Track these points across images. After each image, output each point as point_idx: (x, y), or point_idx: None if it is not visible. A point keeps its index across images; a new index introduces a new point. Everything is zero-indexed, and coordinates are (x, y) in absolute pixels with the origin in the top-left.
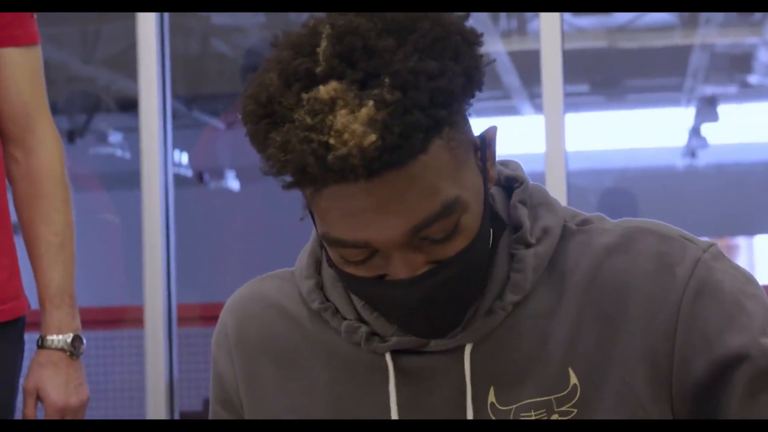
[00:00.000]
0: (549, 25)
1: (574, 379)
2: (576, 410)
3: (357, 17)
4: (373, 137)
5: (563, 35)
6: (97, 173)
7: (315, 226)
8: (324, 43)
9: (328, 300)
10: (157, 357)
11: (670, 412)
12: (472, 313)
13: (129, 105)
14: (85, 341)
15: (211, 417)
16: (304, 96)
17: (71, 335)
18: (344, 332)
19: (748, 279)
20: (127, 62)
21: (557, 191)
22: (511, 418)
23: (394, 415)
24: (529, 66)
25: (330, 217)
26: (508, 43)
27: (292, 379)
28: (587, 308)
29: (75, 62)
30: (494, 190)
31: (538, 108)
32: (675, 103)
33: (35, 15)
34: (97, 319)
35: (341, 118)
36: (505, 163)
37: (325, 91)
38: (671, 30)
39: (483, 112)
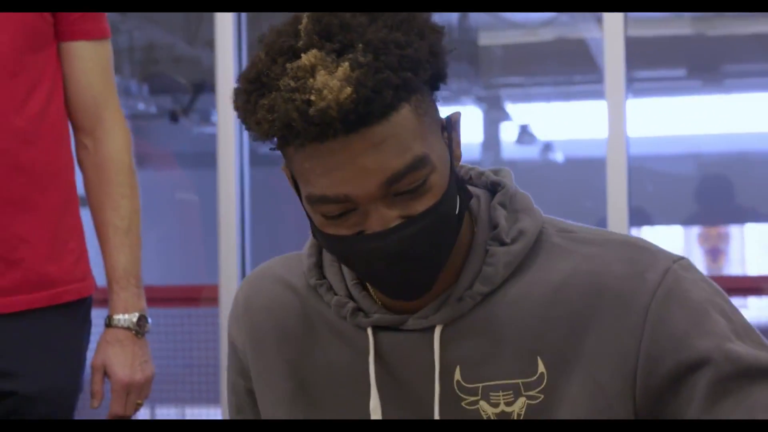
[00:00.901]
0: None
1: (541, 368)
2: (543, 396)
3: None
4: (348, 90)
5: (626, 22)
6: (200, 152)
7: (299, 194)
8: (305, 21)
9: (324, 277)
10: None
11: (633, 408)
12: (444, 299)
13: None
14: (150, 320)
15: (228, 387)
16: (288, 66)
17: (137, 315)
18: (333, 306)
19: (716, 291)
20: None
21: (618, 177)
22: (479, 396)
23: (372, 385)
24: (627, 50)
25: (313, 175)
26: None
27: (290, 345)
28: (558, 305)
29: (179, 43)
30: (479, 192)
31: (636, 92)
32: None
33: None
34: (175, 297)
35: (320, 78)
36: (496, 171)
37: (306, 58)
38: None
39: (580, 96)
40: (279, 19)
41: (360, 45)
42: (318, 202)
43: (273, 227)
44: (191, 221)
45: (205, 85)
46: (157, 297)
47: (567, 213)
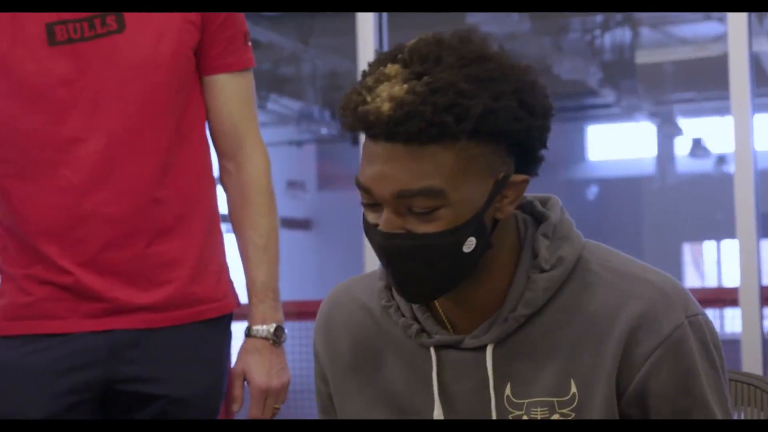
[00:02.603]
0: (735, 27)
1: (574, 389)
2: (574, 414)
3: (453, 43)
4: (387, 106)
5: (751, 37)
6: None
7: None
8: (414, 42)
9: (393, 299)
10: None
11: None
12: (493, 320)
13: None
14: (287, 331)
15: (315, 389)
16: (380, 69)
17: (274, 325)
18: (400, 327)
19: (710, 357)
20: None
21: (745, 190)
22: (523, 411)
23: (436, 396)
24: None
25: (362, 161)
26: None
27: (362, 361)
28: (588, 333)
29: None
30: (529, 221)
31: None
32: None
33: (250, 43)
34: None
35: (383, 87)
36: (544, 201)
37: (391, 68)
38: None
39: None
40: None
41: (428, 78)
42: (357, 185)
43: None
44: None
45: None
46: None
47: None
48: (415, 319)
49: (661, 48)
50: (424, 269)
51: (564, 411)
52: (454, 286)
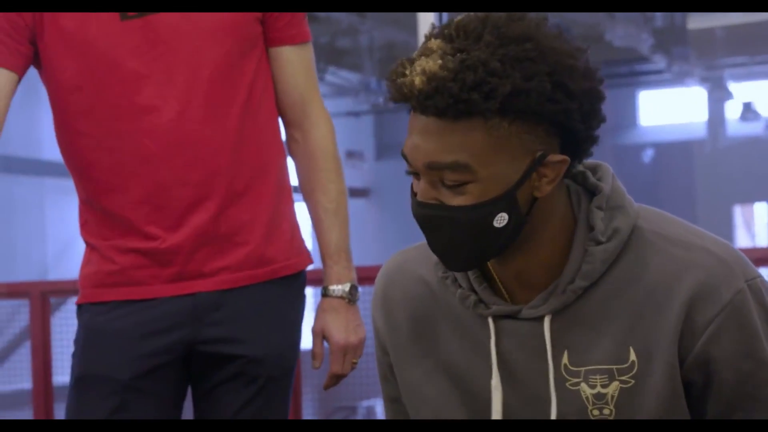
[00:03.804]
0: None
1: (633, 356)
2: (634, 381)
3: (499, 23)
4: (419, 80)
5: None
6: None
7: None
8: (462, 18)
9: (450, 270)
10: None
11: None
12: (551, 291)
13: None
14: (360, 289)
15: (377, 361)
16: (427, 44)
17: (348, 285)
18: (458, 298)
19: None
20: None
21: None
22: (581, 378)
23: (494, 366)
24: None
25: (407, 131)
26: None
27: (422, 332)
28: (646, 302)
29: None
30: (581, 192)
31: None
32: None
33: (306, 17)
34: None
35: (421, 61)
36: (594, 169)
37: (434, 43)
38: None
39: None
40: None
41: (462, 55)
42: (401, 155)
43: None
44: None
45: None
46: None
47: None
48: (473, 290)
49: (712, 13)
50: (454, 240)
51: (623, 378)
52: (491, 257)
